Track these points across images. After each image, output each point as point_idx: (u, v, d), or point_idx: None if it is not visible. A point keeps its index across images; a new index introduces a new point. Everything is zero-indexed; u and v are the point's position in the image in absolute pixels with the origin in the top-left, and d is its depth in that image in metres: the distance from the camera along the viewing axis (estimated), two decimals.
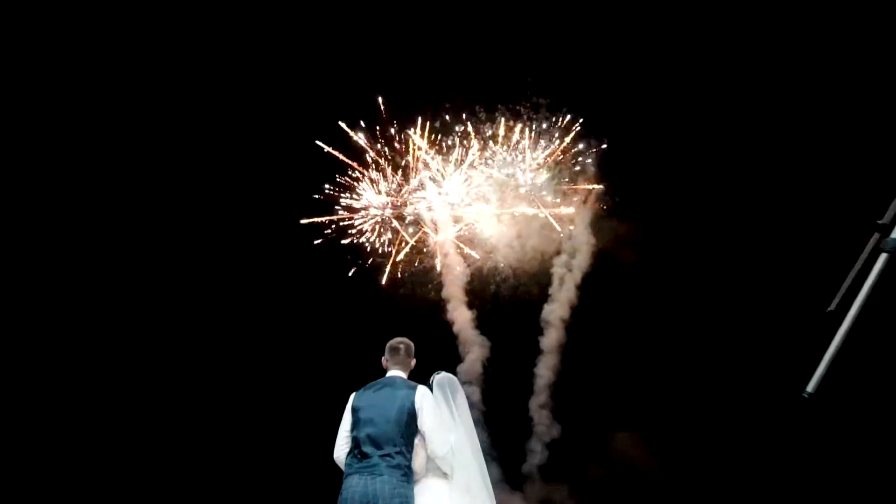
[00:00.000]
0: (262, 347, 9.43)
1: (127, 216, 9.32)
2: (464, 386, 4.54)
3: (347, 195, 10.34)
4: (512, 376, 9.95)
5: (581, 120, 10.13)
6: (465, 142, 10.30)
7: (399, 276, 10.39)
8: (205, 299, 9.38)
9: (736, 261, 8.93)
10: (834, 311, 2.55)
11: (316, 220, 10.16)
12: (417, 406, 4.06)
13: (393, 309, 10.06)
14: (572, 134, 10.18)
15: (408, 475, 3.97)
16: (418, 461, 4.05)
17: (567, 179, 10.33)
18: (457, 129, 10.24)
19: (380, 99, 10.11)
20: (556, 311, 10.22)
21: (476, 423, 4.42)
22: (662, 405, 9.02)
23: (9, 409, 8.10)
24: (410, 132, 10.22)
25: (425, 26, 9.50)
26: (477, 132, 10.26)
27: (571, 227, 10.34)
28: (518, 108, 10.18)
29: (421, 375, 4.38)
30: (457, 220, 10.53)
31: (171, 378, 9.01)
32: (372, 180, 10.35)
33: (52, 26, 8.61)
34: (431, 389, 4.26)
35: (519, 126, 10.22)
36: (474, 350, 10.08)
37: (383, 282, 10.28)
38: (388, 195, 10.45)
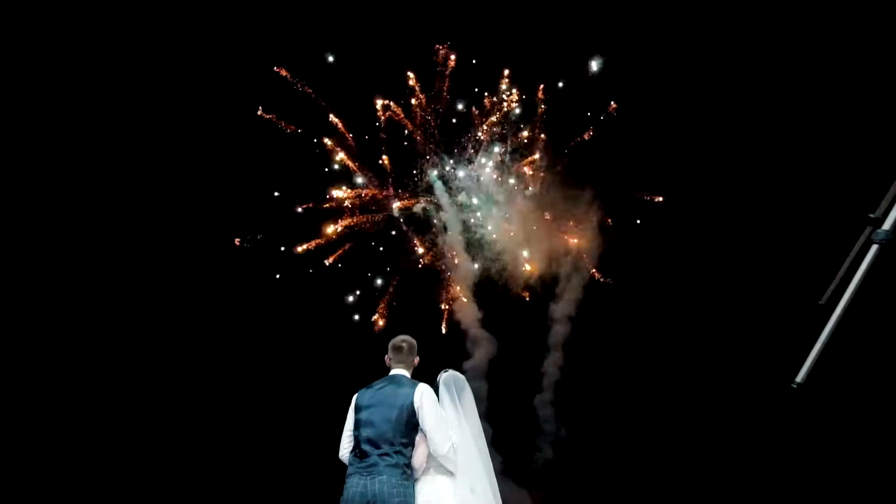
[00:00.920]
0: (267, 346, 9.43)
1: (133, 213, 9.26)
2: (471, 383, 4.53)
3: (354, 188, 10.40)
4: (519, 373, 9.97)
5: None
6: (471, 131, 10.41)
7: (406, 274, 10.47)
8: (205, 300, 9.36)
9: (731, 255, 8.93)
10: (825, 304, 2.59)
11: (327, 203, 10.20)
12: (417, 404, 4.08)
13: (399, 307, 10.12)
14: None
15: (407, 474, 3.99)
16: (418, 458, 4.06)
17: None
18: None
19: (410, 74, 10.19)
20: (562, 308, 10.27)
21: (483, 417, 4.41)
22: (656, 397, 9.06)
23: (9, 409, 8.09)
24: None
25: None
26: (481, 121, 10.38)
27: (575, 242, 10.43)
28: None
29: (430, 374, 4.40)
30: (465, 221, 10.62)
31: (171, 378, 8.98)
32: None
33: (51, 26, 8.55)
34: (438, 388, 4.28)
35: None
36: (481, 347, 10.11)
37: (391, 280, 10.36)
38: (396, 197, 10.53)
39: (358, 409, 4.16)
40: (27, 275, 8.52)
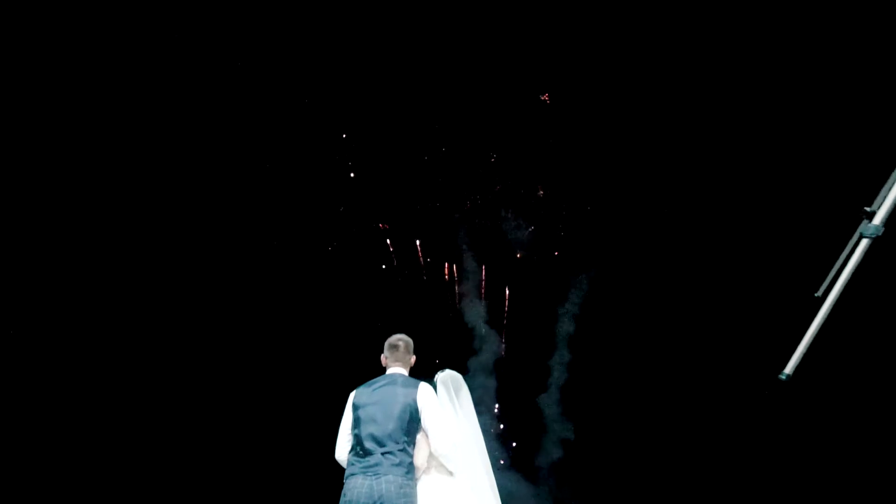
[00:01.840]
0: (265, 345, 9.42)
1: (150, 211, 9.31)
2: (478, 380, 4.53)
3: None
4: (526, 372, 9.96)
5: None
6: None
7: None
8: (207, 299, 9.37)
9: (728, 250, 8.91)
10: (822, 297, 2.60)
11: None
12: (420, 404, 4.07)
13: (406, 305, 10.12)
14: None
15: (410, 472, 3.97)
16: (420, 457, 4.05)
17: None
18: None
19: None
20: (569, 307, 10.27)
21: (491, 415, 4.41)
22: (656, 397, 9.05)
23: (8, 409, 8.15)
24: None
25: None
26: None
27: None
28: None
29: (430, 372, 4.41)
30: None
31: (172, 378, 9.00)
32: None
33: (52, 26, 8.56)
34: (435, 388, 4.28)
35: None
36: (488, 345, 10.11)
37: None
38: None
39: (357, 408, 4.12)
40: (27, 275, 8.58)
